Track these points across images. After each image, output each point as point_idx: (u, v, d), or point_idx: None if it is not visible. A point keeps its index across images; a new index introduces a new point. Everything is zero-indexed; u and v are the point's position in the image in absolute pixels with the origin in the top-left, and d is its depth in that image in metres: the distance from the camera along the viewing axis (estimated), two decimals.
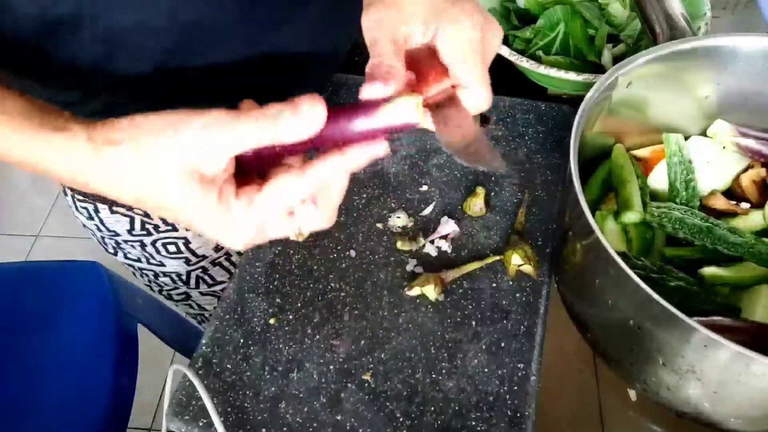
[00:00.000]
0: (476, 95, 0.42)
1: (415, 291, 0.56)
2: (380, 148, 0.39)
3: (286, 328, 0.55)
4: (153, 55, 0.55)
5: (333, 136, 0.39)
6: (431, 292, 0.55)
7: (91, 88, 0.57)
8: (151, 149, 0.37)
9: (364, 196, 0.65)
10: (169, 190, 0.38)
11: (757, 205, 0.56)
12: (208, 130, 0.37)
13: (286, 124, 0.37)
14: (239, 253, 0.82)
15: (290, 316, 0.56)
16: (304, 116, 0.37)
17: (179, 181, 0.38)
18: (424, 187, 0.65)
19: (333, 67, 0.73)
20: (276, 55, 0.63)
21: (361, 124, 0.39)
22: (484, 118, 0.72)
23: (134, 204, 0.41)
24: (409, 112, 0.40)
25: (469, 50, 0.41)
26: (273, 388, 0.52)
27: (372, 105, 0.39)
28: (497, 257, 0.58)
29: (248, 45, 0.60)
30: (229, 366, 0.54)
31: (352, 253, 0.60)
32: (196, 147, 0.37)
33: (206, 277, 0.83)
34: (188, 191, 0.38)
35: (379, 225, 0.62)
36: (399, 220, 0.62)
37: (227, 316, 0.57)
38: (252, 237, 0.40)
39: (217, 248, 0.80)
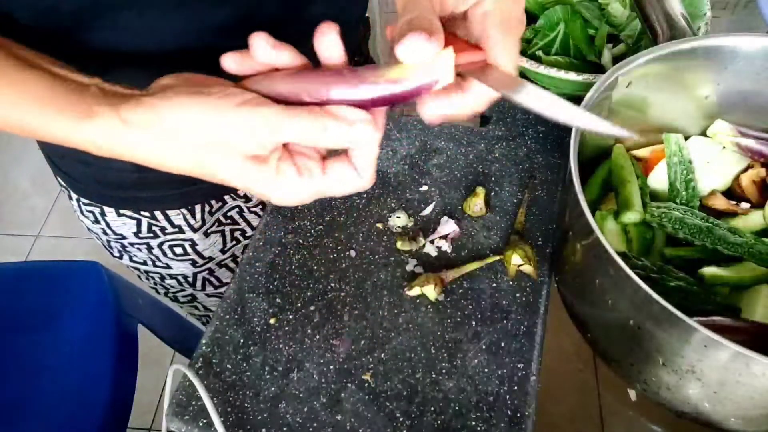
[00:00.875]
0: (504, 65, 0.38)
1: (415, 291, 0.56)
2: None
3: (286, 328, 0.55)
4: (162, 41, 0.55)
5: (362, 97, 0.37)
6: (431, 292, 0.55)
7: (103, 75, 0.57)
8: (197, 134, 0.38)
9: (364, 196, 0.65)
10: (217, 167, 0.38)
11: (757, 205, 0.56)
12: (253, 122, 0.37)
13: (333, 134, 0.37)
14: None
15: (290, 316, 0.56)
16: (355, 133, 0.37)
17: (226, 161, 0.38)
18: (424, 187, 0.65)
19: None
20: None
21: (390, 88, 0.36)
22: (484, 119, 0.73)
23: (158, 166, 0.40)
24: (446, 69, 0.36)
25: (506, 32, 0.38)
26: (273, 388, 0.52)
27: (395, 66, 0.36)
28: (497, 257, 0.58)
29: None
30: (229, 366, 0.54)
31: (352, 253, 0.60)
32: (239, 135, 0.37)
33: (212, 279, 0.83)
34: (239, 170, 0.38)
35: (379, 225, 0.62)
36: (399, 220, 0.62)
37: (227, 316, 0.57)
38: (306, 200, 0.41)
39: (224, 250, 0.80)
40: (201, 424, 0.50)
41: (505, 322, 0.54)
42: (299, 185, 0.39)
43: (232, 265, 0.82)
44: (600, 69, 0.76)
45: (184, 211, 0.72)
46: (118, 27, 0.52)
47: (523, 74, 0.78)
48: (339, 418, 0.50)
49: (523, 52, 0.78)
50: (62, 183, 0.74)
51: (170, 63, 0.56)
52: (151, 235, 0.74)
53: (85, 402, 0.87)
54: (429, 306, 0.56)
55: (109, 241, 0.78)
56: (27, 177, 2.12)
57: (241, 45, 0.62)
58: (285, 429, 0.50)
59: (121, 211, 0.72)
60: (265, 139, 0.37)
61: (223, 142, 0.37)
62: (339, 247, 0.61)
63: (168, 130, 0.38)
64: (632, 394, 0.55)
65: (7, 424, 0.86)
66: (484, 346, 0.53)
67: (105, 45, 0.54)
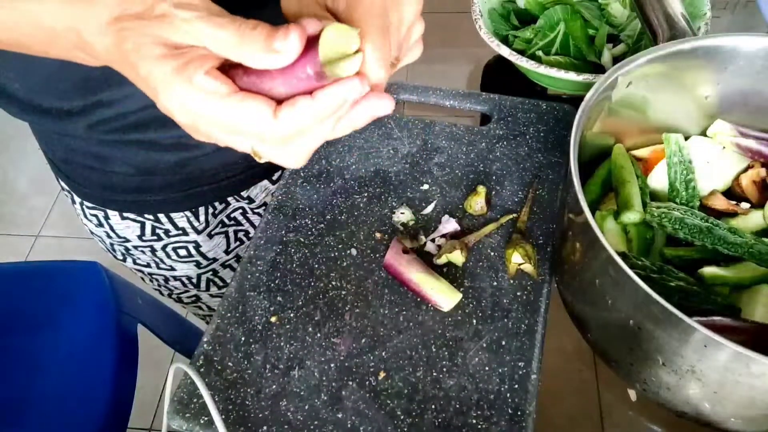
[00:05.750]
0: (369, 61, 0.36)
1: (443, 259, 0.58)
2: (355, 90, 0.35)
3: (287, 326, 0.56)
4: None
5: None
6: (458, 257, 0.57)
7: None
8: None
9: (365, 195, 0.65)
10: (136, 41, 0.34)
11: (757, 205, 0.56)
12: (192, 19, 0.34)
13: (250, 50, 0.34)
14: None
15: (291, 315, 0.56)
16: (273, 53, 0.33)
17: (145, 37, 0.34)
18: (425, 186, 0.65)
19: None
20: None
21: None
22: (485, 117, 0.73)
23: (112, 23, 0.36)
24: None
25: (370, 15, 0.36)
26: (274, 386, 0.52)
27: None
28: (510, 216, 0.61)
29: None
30: (230, 364, 0.54)
31: (353, 251, 0.60)
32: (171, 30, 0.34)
33: (216, 279, 0.83)
34: (151, 48, 0.34)
35: (381, 223, 0.62)
36: (403, 215, 0.62)
37: (228, 315, 0.57)
38: (186, 123, 0.37)
39: (227, 251, 0.80)
40: (202, 422, 0.50)
41: (505, 320, 0.55)
42: (197, 94, 0.34)
43: (235, 265, 0.83)
44: (600, 69, 0.76)
45: (188, 213, 0.72)
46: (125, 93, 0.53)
47: (522, 74, 0.78)
48: (340, 416, 0.50)
49: (523, 52, 0.78)
50: (65, 187, 0.74)
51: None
52: (155, 237, 0.74)
53: (86, 402, 0.87)
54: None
55: (112, 245, 0.77)
56: (27, 177, 2.12)
57: None
58: (286, 427, 0.50)
59: (125, 215, 0.72)
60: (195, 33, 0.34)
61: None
62: (340, 246, 0.61)
63: None
64: (632, 394, 0.55)
65: (7, 424, 0.86)
66: (484, 345, 0.53)
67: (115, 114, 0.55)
